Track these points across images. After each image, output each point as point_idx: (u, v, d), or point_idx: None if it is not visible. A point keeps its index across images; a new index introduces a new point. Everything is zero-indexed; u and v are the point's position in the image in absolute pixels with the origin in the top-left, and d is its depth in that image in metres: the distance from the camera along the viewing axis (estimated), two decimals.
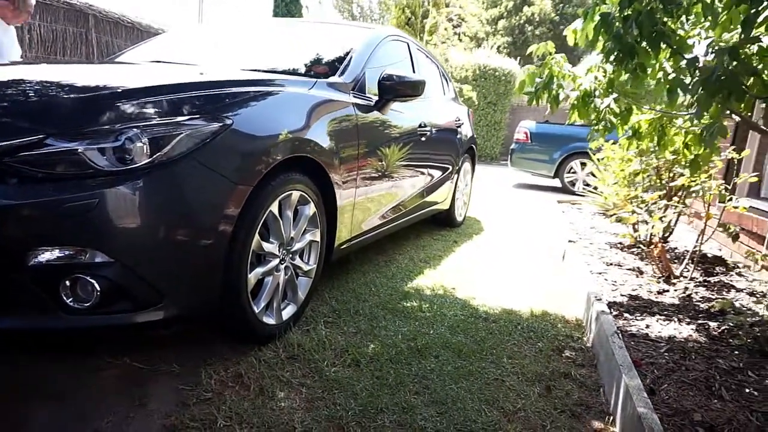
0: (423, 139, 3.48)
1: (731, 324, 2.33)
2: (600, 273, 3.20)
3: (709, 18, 2.07)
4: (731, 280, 3.18)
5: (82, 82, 1.92)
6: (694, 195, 3.61)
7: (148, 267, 1.59)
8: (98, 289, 1.54)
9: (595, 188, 5.73)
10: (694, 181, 3.20)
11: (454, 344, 2.24)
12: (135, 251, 1.56)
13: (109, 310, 1.58)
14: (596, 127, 2.71)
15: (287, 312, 2.20)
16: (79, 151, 1.50)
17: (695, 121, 2.56)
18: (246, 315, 1.92)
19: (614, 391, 1.87)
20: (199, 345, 2.04)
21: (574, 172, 8.42)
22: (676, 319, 2.45)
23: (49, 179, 1.49)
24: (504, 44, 20.83)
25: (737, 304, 2.66)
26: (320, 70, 2.75)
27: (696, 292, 2.89)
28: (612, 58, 2.22)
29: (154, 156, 1.57)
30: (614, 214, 5.45)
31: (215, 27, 3.73)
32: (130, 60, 3.00)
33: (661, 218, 3.57)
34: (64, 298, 1.54)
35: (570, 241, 3.92)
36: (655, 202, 3.58)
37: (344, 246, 2.67)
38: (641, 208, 3.61)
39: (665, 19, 2.09)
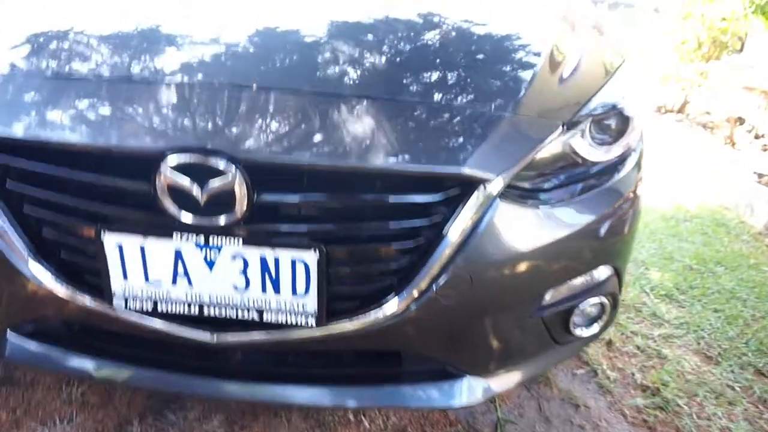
0: None
1: None
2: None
3: None
4: None
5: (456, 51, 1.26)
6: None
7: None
8: (609, 306, 1.27)
9: None
10: None
11: (708, 256, 2.45)
12: (623, 258, 1.31)
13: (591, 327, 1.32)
14: None
15: None
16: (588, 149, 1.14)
17: None
18: None
19: None
20: None
21: None
22: None
23: (561, 186, 1.13)
24: None
25: None
26: None
27: None
28: None
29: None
30: None
31: None
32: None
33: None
34: (574, 327, 1.25)
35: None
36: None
37: None
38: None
39: None
